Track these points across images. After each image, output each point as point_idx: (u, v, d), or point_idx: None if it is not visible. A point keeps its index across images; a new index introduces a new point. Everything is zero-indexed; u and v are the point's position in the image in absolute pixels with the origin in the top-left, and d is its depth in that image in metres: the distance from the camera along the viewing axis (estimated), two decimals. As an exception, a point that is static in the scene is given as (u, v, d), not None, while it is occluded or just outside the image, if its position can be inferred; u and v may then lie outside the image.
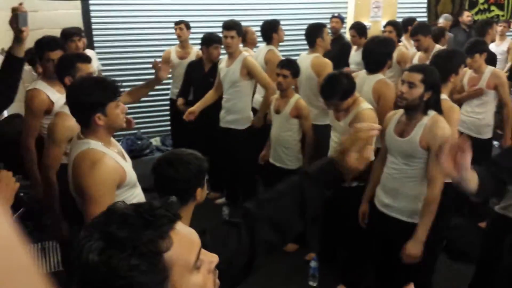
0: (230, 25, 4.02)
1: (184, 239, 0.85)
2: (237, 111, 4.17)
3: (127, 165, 2.13)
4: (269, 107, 3.96)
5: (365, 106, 3.01)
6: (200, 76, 4.54)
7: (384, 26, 5.16)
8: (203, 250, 0.89)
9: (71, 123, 2.33)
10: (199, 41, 4.59)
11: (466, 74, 4.02)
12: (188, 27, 4.91)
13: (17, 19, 2.34)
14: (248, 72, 4.05)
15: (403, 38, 5.45)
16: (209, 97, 4.29)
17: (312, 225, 3.80)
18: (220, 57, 4.42)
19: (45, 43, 3.03)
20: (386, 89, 3.32)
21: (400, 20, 5.82)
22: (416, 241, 2.48)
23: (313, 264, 3.37)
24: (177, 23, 4.92)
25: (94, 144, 1.99)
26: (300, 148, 3.67)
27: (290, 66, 3.53)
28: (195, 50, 4.93)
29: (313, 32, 4.18)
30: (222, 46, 4.24)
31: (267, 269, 3.59)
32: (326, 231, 3.53)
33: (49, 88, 2.97)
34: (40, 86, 2.98)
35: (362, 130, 1.30)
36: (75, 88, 2.04)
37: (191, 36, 5.05)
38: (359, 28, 5.26)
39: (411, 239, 2.50)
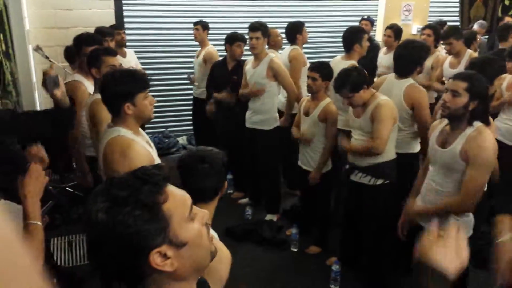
0: (256, 26, 4.03)
1: (177, 195, 0.97)
2: (263, 112, 4.18)
3: (154, 152, 2.24)
4: (291, 110, 4.04)
5: (383, 97, 3.02)
6: (224, 75, 4.56)
7: (423, 29, 4.98)
8: (194, 206, 1.01)
9: None
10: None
11: (505, 79, 3.84)
12: (204, 28, 5.02)
13: (45, 82, 2.33)
14: (274, 74, 4.05)
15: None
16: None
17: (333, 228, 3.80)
18: (247, 58, 4.44)
19: (84, 39, 3.23)
20: (419, 96, 3.28)
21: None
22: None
23: (335, 267, 3.34)
24: (194, 24, 5.05)
25: (124, 132, 2.10)
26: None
27: (320, 68, 3.49)
28: (205, 49, 5.01)
29: (352, 37, 4.04)
30: (247, 47, 4.27)
31: (289, 271, 3.61)
32: (348, 234, 3.50)
33: (86, 80, 3.16)
34: (78, 78, 3.19)
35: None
36: (108, 78, 2.14)
37: (219, 37, 5.10)
38: (396, 30, 5.19)
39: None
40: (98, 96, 2.65)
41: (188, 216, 0.97)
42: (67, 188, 4.56)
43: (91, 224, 0.90)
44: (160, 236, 0.91)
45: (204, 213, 1.03)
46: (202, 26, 5.02)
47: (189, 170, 1.76)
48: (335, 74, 3.27)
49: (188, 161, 1.79)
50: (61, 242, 3.90)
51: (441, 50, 5.09)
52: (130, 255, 0.90)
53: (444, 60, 4.73)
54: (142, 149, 2.11)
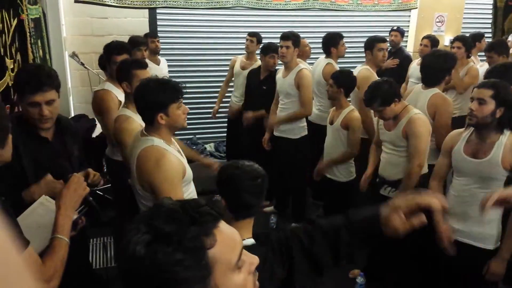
0: (287, 35, 4.03)
1: (227, 238, 0.85)
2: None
3: (184, 161, 2.25)
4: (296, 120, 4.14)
5: (416, 111, 2.95)
6: (255, 84, 4.62)
7: (452, 42, 4.89)
8: (244, 251, 0.89)
9: (133, 126, 2.50)
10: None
11: None
12: (258, 41, 4.94)
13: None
14: (297, 84, 4.04)
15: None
16: (275, 111, 4.40)
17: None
18: (277, 67, 4.46)
19: (113, 48, 3.24)
20: (442, 103, 3.23)
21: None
22: (500, 259, 2.39)
23: (359, 280, 3.31)
24: (250, 34, 4.97)
25: (158, 142, 2.12)
26: (352, 161, 3.62)
27: (336, 76, 3.55)
28: (258, 62, 4.96)
29: (366, 45, 4.22)
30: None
31: (311, 284, 3.57)
32: (375, 247, 3.43)
33: (115, 89, 3.19)
34: (108, 87, 3.22)
35: (421, 198, 1.26)
36: (141, 88, 2.15)
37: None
38: (433, 40, 5.17)
39: (495, 257, 2.40)
40: (124, 111, 2.72)
41: (235, 264, 0.85)
42: (97, 191, 4.65)
43: (127, 255, 0.80)
44: (199, 284, 0.80)
45: (254, 260, 0.91)
46: (257, 39, 4.94)
47: (238, 185, 1.67)
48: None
49: (237, 175, 1.68)
50: (91, 245, 3.98)
51: (475, 61, 4.99)
52: None
53: (478, 72, 4.60)
54: (175, 159, 2.13)
